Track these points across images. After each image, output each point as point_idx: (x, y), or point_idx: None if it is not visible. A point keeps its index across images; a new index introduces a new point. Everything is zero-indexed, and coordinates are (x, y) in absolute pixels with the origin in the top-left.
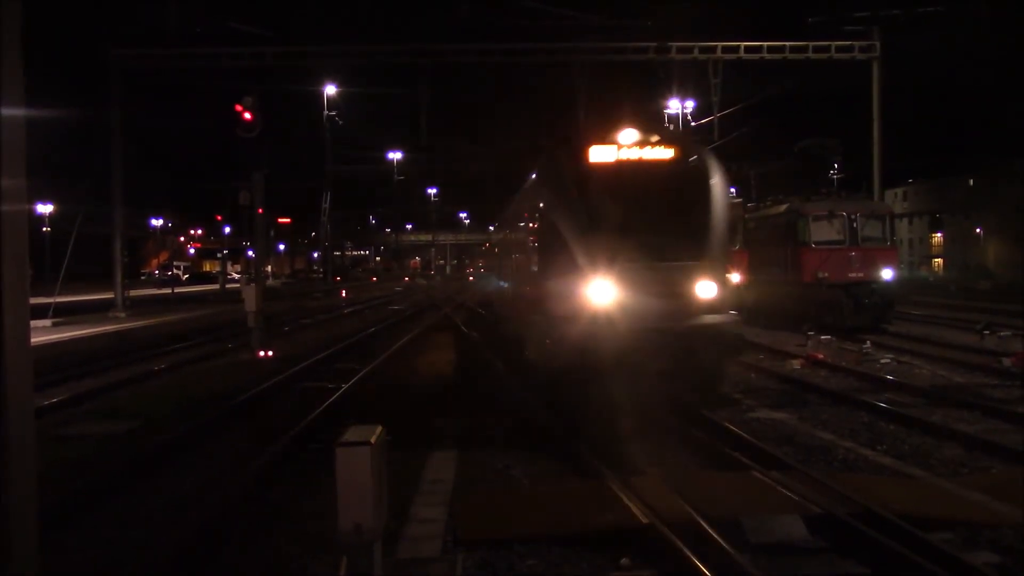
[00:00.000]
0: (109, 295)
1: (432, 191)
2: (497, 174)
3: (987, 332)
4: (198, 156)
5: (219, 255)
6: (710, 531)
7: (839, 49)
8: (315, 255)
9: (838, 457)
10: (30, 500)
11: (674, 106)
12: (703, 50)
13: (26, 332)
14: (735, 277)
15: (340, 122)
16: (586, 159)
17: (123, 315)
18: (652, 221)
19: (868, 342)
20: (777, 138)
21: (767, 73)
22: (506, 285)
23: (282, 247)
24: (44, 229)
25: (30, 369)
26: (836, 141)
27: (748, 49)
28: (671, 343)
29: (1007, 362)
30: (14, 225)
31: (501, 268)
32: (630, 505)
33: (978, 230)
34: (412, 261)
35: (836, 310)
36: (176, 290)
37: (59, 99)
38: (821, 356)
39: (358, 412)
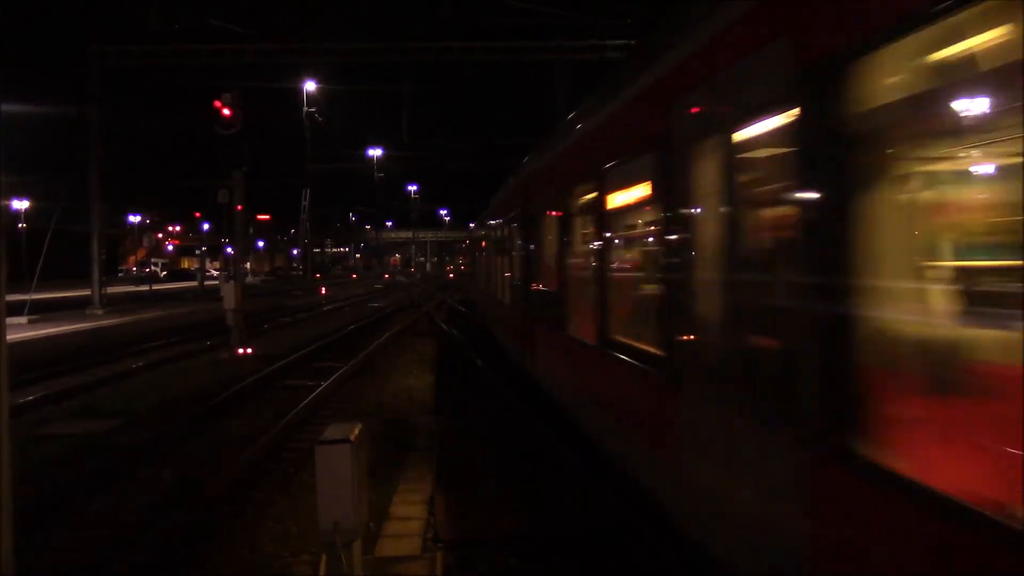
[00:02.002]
0: (86, 292)
1: (413, 188)
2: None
3: None
4: (178, 153)
5: (198, 252)
6: None
7: None
8: (295, 252)
9: None
10: (6, 500)
11: None
12: None
13: (2, 328)
14: None
15: (320, 119)
16: None
17: (100, 312)
18: None
19: None
20: None
21: None
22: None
23: (261, 244)
24: (20, 225)
25: (7, 365)
26: None
27: None
28: None
29: None
30: None
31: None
32: None
33: None
34: (392, 258)
35: None
36: (154, 287)
37: (37, 94)
38: None
39: (337, 410)
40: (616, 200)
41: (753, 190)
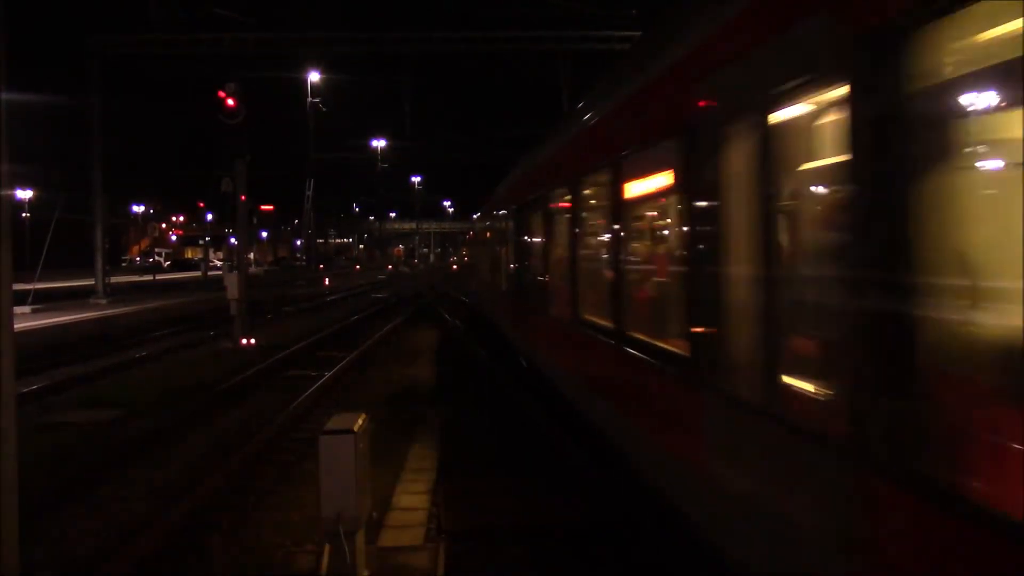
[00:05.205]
0: (90, 282)
1: (416, 179)
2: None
3: None
4: (181, 143)
5: (201, 242)
6: None
7: None
8: (298, 243)
9: None
10: (11, 493)
11: None
12: None
13: (9, 317)
14: None
15: (324, 108)
16: None
17: (104, 302)
18: None
19: None
20: None
21: None
22: None
23: (265, 234)
24: (24, 215)
25: (12, 354)
26: None
27: None
28: None
29: None
30: None
31: None
32: None
33: None
34: (396, 249)
35: None
36: (158, 277)
37: (38, 84)
38: None
39: (340, 400)
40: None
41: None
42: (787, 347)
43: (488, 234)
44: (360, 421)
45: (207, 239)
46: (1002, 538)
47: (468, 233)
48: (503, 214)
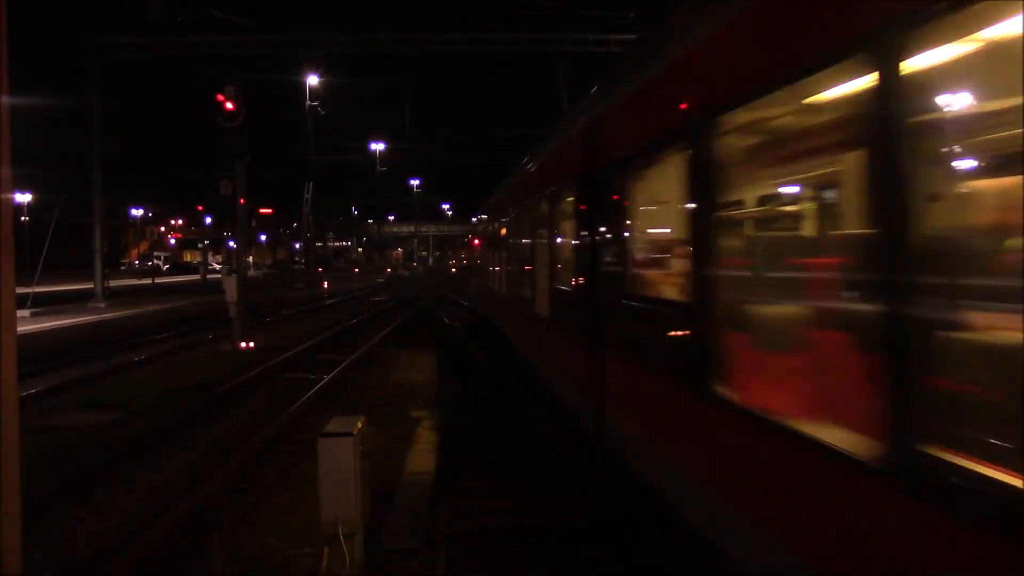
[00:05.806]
0: (89, 285)
1: (415, 182)
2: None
3: None
4: (180, 146)
5: (200, 245)
6: None
7: None
8: (297, 246)
9: None
10: (14, 495)
11: None
12: None
13: (12, 321)
14: None
15: (323, 112)
16: None
17: (103, 305)
18: None
19: None
20: None
21: None
22: None
23: (264, 237)
24: (23, 218)
25: (14, 356)
26: None
27: None
28: None
29: None
30: None
31: None
32: None
33: None
34: (395, 252)
35: None
36: (156, 280)
37: (37, 86)
38: None
39: (340, 402)
40: None
41: None
42: None
43: (503, 231)
44: (359, 424)
45: (206, 242)
46: None
47: (468, 235)
48: (540, 196)
